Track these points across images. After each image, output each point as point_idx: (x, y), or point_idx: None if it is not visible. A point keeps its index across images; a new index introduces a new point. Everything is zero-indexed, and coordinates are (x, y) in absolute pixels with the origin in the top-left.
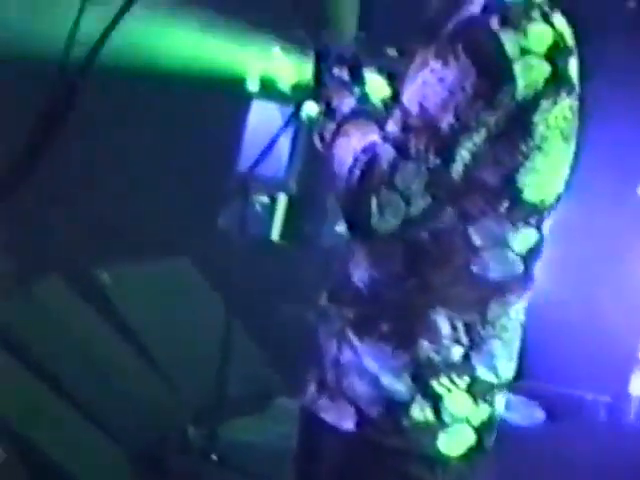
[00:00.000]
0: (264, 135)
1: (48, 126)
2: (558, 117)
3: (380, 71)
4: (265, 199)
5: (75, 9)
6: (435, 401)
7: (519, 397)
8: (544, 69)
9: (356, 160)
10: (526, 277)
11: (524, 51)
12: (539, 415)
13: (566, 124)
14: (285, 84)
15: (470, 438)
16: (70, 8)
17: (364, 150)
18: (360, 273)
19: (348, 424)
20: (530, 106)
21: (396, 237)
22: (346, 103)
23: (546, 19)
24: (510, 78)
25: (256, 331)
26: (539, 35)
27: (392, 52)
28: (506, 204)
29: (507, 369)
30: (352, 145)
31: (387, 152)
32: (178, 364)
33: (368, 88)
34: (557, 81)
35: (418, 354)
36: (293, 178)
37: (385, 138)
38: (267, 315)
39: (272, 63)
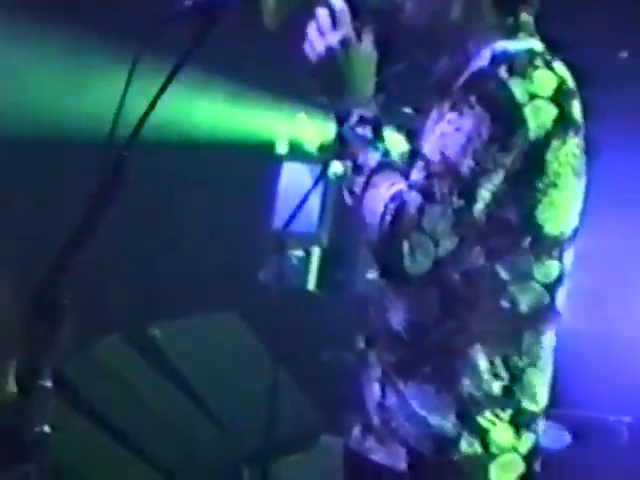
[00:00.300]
0: (295, 194)
1: (102, 197)
2: (568, 154)
3: (399, 129)
4: (300, 253)
5: (113, 88)
6: (482, 435)
7: (546, 421)
8: (551, 111)
9: (386, 208)
10: (553, 306)
11: (532, 96)
12: (566, 438)
13: (576, 161)
14: (311, 145)
15: (520, 466)
16: (109, 87)
17: (392, 198)
18: (398, 318)
19: (401, 464)
20: (542, 145)
21: (429, 281)
22: (372, 158)
23: (549, 66)
24: (521, 121)
25: (299, 374)
26: (544, 80)
27: (409, 110)
28: (529, 239)
29: (544, 396)
30: (381, 195)
31: (414, 198)
32: (230, 409)
33: (389, 145)
34: (564, 121)
35: (461, 392)
36: (325, 232)
37: (411, 186)
38: (309, 359)
39: (298, 127)
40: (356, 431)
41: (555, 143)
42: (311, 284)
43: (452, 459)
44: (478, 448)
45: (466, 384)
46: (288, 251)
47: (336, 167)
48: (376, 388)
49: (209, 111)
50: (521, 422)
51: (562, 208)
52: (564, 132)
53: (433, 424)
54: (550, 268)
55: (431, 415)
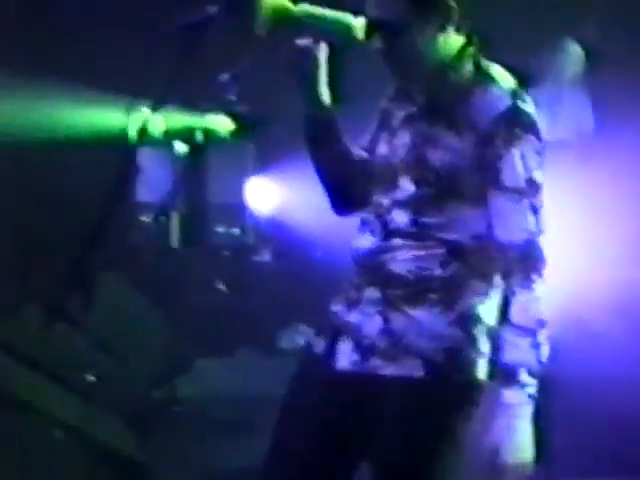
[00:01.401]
0: (152, 172)
1: None
2: None
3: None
4: (163, 217)
5: None
6: (473, 339)
7: None
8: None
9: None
10: None
11: (535, 113)
12: None
13: None
14: (157, 132)
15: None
16: None
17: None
18: (402, 265)
19: (417, 372)
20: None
21: (444, 241)
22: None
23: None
24: (541, 131)
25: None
26: (531, 102)
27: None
28: None
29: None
30: None
31: (531, 216)
32: (133, 347)
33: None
34: None
35: (462, 310)
36: (181, 200)
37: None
38: (183, 301)
39: (145, 118)
40: (354, 356)
41: None
42: (175, 242)
43: (457, 362)
44: (473, 351)
45: (466, 303)
46: (153, 216)
47: (180, 147)
48: (376, 319)
49: (71, 111)
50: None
51: None
52: None
53: (442, 336)
54: None
55: (440, 329)
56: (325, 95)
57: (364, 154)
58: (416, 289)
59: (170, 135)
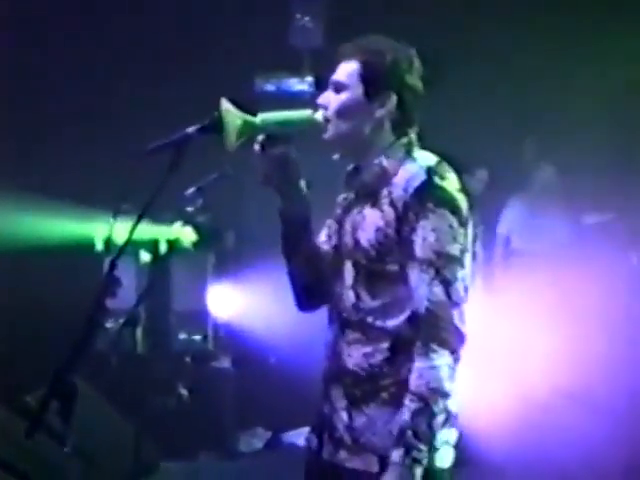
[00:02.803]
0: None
1: None
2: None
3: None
4: (128, 324)
5: None
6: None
7: None
8: (465, 198)
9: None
10: None
11: (456, 190)
12: None
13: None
14: (121, 241)
15: (452, 454)
16: None
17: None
18: (355, 362)
19: (374, 468)
20: (468, 222)
21: (385, 331)
22: None
23: (448, 168)
24: (459, 208)
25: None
26: (453, 178)
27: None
28: None
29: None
30: None
31: (440, 292)
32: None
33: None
34: (470, 204)
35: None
36: (144, 307)
37: (431, 290)
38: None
39: (111, 229)
40: (329, 446)
41: (470, 220)
42: (138, 348)
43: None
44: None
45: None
46: (116, 323)
47: (144, 256)
48: (343, 415)
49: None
50: (455, 422)
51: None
52: (472, 212)
53: (393, 434)
54: None
55: (392, 428)
56: (303, 191)
57: (326, 249)
58: (370, 389)
59: (134, 245)
